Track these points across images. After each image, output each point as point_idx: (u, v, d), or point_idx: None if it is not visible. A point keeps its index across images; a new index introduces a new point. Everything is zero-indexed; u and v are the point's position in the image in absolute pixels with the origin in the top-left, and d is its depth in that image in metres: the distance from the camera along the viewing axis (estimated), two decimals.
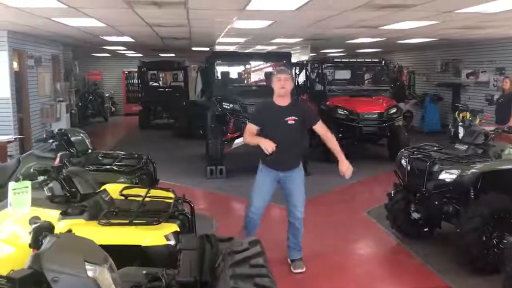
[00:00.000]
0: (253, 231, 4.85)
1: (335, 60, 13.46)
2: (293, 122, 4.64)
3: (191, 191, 8.48)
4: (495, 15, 7.79)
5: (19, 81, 10.78)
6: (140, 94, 17.65)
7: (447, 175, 5.03)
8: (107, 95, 20.79)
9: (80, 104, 18.10)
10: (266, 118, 4.72)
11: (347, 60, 13.60)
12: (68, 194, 3.39)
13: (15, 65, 10.75)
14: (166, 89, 18.16)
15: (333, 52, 18.38)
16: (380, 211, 6.61)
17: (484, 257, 4.77)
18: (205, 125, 10.97)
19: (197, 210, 7.25)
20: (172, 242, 3.10)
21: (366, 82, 12.90)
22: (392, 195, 5.91)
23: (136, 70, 19.23)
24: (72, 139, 5.29)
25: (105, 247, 2.99)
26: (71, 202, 3.36)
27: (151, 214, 3.32)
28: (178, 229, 3.22)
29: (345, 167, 4.71)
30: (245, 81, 15.17)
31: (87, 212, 3.21)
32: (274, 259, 4.93)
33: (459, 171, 4.97)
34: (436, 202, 5.26)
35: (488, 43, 12.88)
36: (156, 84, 18.66)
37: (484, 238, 4.78)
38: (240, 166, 10.05)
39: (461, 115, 12.19)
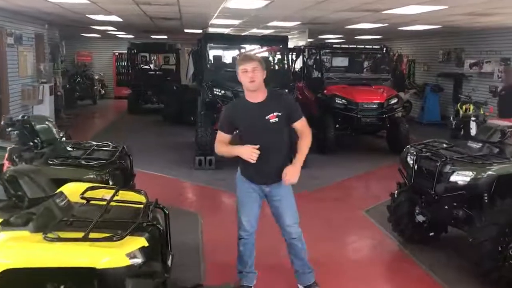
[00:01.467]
0: (251, 260, 4.09)
1: (334, 46, 12.78)
2: (276, 119, 3.69)
3: (177, 183, 7.97)
4: (504, 1, 7.29)
5: None
6: (129, 77, 16.92)
7: (460, 177, 4.49)
8: (96, 77, 20.10)
9: (67, 86, 17.44)
10: (240, 121, 3.75)
11: (347, 46, 12.93)
12: (14, 199, 2.80)
13: None
14: (157, 72, 17.47)
15: (331, 38, 17.77)
16: (380, 210, 6.12)
17: (499, 270, 4.25)
18: (196, 111, 10.37)
19: (182, 205, 6.80)
20: (138, 260, 2.53)
21: (365, 70, 12.30)
22: (396, 195, 5.37)
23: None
24: (37, 127, 4.66)
25: (50, 270, 2.47)
26: (19, 208, 2.77)
27: (114, 225, 2.73)
28: (146, 244, 2.64)
29: (292, 171, 3.67)
30: None
31: (34, 222, 2.62)
32: (271, 265, 4.40)
33: (474, 173, 4.43)
34: (445, 207, 4.71)
35: (493, 32, 12.32)
36: (146, 67, 17.95)
37: (499, 249, 4.25)
38: (230, 157, 9.48)
39: (464, 107, 11.71)
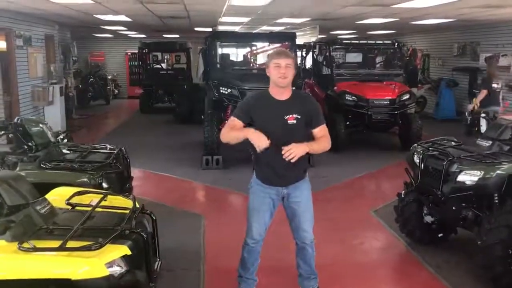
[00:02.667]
0: (253, 267, 3.92)
1: (344, 41, 12.55)
2: (295, 121, 3.53)
3: (182, 183, 7.89)
4: None
5: (6, 62, 10.17)
6: (140, 77, 16.92)
7: (468, 177, 4.29)
8: (109, 77, 20.17)
9: (80, 87, 17.53)
10: (258, 114, 3.56)
11: (357, 41, 12.68)
12: None
13: (3, 44, 10.12)
14: (168, 72, 17.43)
15: (343, 33, 17.51)
16: (388, 211, 5.92)
17: (510, 274, 4.05)
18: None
19: (186, 206, 6.71)
20: (118, 270, 2.42)
21: (377, 66, 12.05)
22: (403, 195, 5.19)
23: None
24: (30, 130, 4.59)
25: (26, 282, 2.36)
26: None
27: (95, 232, 2.62)
28: (129, 252, 2.53)
29: (297, 145, 3.41)
30: (251, 65, 14.44)
31: (11, 230, 2.52)
32: (271, 269, 4.23)
33: (482, 172, 4.23)
34: (453, 207, 4.52)
35: (509, 24, 11.95)
36: (157, 66, 17.92)
37: (510, 252, 4.05)
38: (238, 156, 9.35)
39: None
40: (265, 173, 3.69)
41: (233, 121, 3.61)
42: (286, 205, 3.82)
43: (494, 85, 9.89)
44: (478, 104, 9.57)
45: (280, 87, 3.56)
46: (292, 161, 3.38)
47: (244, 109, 3.62)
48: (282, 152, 3.36)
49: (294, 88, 3.78)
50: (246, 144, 3.58)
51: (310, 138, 3.68)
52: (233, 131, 3.56)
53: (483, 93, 9.66)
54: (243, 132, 3.50)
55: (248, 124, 3.61)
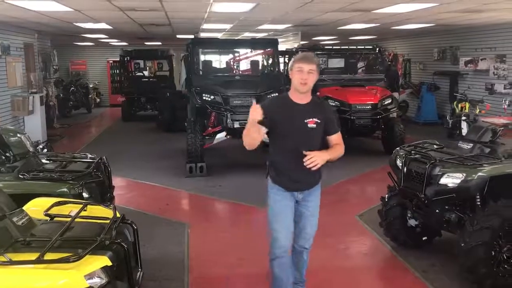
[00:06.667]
0: (289, 282, 3.68)
1: (326, 47, 12.63)
2: (315, 125, 3.51)
3: (166, 192, 7.81)
4: None
5: None
6: (122, 85, 16.79)
7: (450, 180, 4.31)
8: (91, 85, 19.98)
9: (61, 96, 17.32)
10: (278, 115, 3.48)
11: (338, 47, 12.76)
12: None
13: None
14: (150, 79, 17.34)
15: (325, 39, 17.63)
16: (373, 215, 5.93)
17: (493, 275, 4.07)
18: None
19: (169, 215, 6.64)
20: (99, 281, 2.37)
21: (359, 71, 12.14)
22: (386, 199, 5.20)
23: None
24: (8, 141, 4.49)
25: None
26: None
27: (74, 244, 2.56)
28: (110, 263, 2.47)
29: (319, 153, 3.39)
30: (233, 71, 14.44)
31: None
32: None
33: (464, 175, 4.25)
34: (436, 210, 4.54)
35: (487, 28, 12.16)
36: (139, 74, 17.81)
37: (493, 253, 4.08)
38: (222, 163, 9.34)
39: (459, 105, 11.56)
40: (280, 179, 3.62)
41: None
42: (295, 207, 3.71)
43: None
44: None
45: (300, 93, 3.52)
46: (313, 169, 3.36)
47: (263, 108, 3.40)
48: (304, 160, 3.32)
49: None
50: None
51: (325, 143, 3.66)
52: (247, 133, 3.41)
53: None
54: (248, 126, 3.36)
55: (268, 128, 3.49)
